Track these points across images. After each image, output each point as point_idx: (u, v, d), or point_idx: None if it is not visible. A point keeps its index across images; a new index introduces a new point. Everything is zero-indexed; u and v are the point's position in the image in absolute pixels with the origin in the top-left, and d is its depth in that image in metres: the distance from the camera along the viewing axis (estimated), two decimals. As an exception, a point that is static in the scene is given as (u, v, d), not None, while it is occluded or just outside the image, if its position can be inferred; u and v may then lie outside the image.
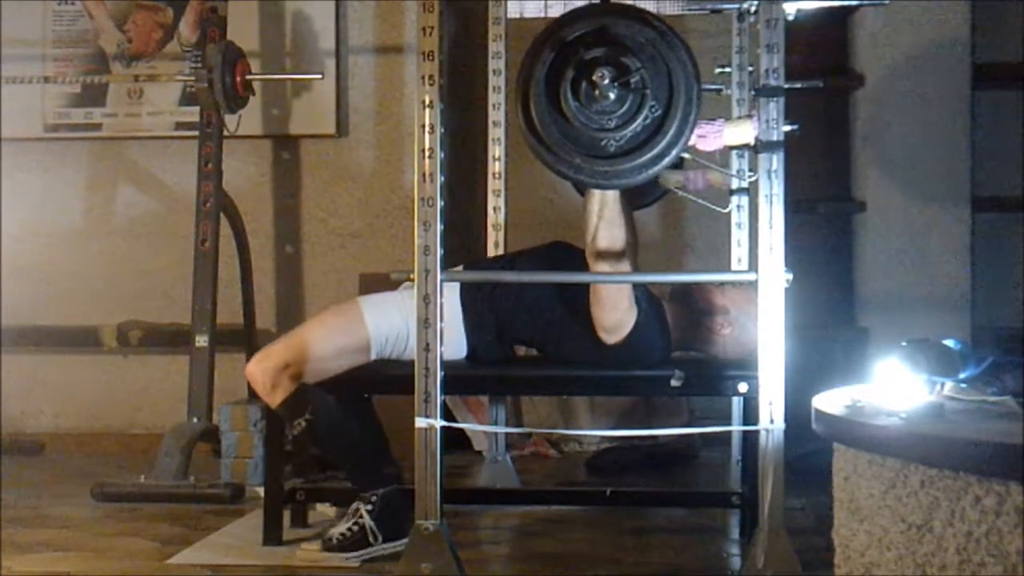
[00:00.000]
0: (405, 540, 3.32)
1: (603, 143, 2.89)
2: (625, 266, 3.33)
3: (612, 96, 2.85)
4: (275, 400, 3.48)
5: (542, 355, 3.68)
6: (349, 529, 3.40)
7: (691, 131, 2.92)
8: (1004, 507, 2.11)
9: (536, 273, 3.56)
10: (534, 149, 2.93)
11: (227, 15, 4.93)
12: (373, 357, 3.53)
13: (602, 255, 3.29)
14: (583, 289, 3.42)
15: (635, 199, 3.68)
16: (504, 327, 3.56)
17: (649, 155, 2.90)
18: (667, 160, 2.92)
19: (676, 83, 2.88)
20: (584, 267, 3.40)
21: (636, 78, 2.84)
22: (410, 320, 3.26)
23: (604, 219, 3.25)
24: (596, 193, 3.23)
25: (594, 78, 2.83)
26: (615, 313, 3.38)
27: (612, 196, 3.23)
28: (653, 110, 2.88)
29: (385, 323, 3.49)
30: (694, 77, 2.89)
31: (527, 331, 3.58)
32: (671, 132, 2.89)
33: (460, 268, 3.64)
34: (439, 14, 3.01)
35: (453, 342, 3.50)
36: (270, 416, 3.60)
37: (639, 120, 2.88)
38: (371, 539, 3.40)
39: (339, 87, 5.39)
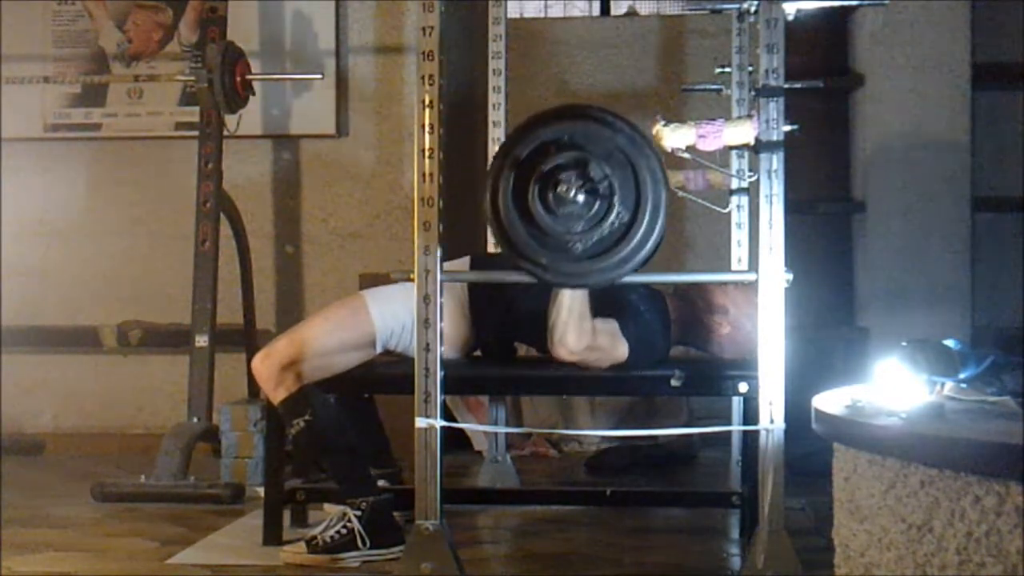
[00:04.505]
0: (392, 549, 3.35)
1: (570, 245, 2.95)
2: (593, 352, 3.40)
3: (580, 201, 2.89)
4: (277, 397, 3.47)
5: (543, 353, 3.69)
6: (338, 532, 3.37)
7: (659, 235, 2.97)
8: (1004, 507, 2.11)
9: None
10: (501, 245, 3.00)
11: (227, 15, 4.93)
12: (378, 351, 3.54)
13: (567, 354, 3.38)
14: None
15: None
16: (510, 320, 3.57)
17: (615, 259, 2.96)
18: (633, 264, 2.96)
19: (643, 188, 2.93)
20: None
21: (604, 185, 2.88)
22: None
23: (575, 314, 3.33)
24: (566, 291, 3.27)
25: (558, 189, 2.88)
26: (598, 363, 3.44)
27: (582, 292, 3.28)
28: (620, 216, 2.93)
29: (390, 315, 3.49)
30: (662, 183, 2.95)
31: (532, 326, 3.59)
32: (638, 237, 2.94)
33: (467, 258, 3.65)
34: (439, 14, 3.01)
35: (456, 334, 3.52)
36: (270, 416, 3.60)
37: (606, 225, 2.93)
38: (359, 544, 3.36)
39: (339, 87, 5.39)
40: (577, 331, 3.35)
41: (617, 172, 2.92)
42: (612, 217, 2.92)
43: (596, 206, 2.92)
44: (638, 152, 2.93)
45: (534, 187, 2.92)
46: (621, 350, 3.43)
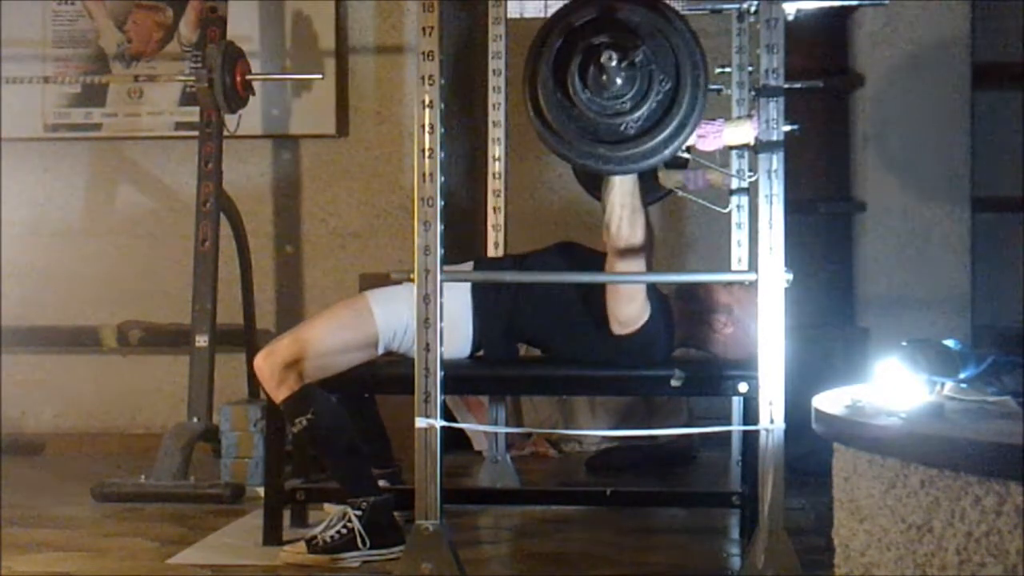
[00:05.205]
0: (392, 549, 3.35)
1: (622, 127, 2.91)
2: (642, 259, 3.36)
3: (620, 79, 2.86)
4: (279, 396, 3.48)
5: (547, 354, 3.69)
6: (338, 532, 3.37)
7: (704, 98, 2.93)
8: (1004, 507, 2.11)
9: (541, 272, 3.56)
10: (553, 148, 2.94)
11: (227, 15, 4.93)
12: (380, 352, 3.54)
13: (625, 245, 3.30)
14: (592, 287, 3.43)
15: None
16: (514, 323, 3.57)
17: (668, 130, 2.91)
18: (688, 131, 2.94)
19: (680, 55, 2.90)
20: (592, 266, 3.42)
21: (640, 56, 2.86)
22: None
23: (628, 207, 3.27)
24: (616, 183, 3.23)
25: (601, 60, 2.84)
26: (632, 305, 3.40)
27: (632, 183, 3.25)
28: (663, 84, 2.90)
29: (394, 317, 3.49)
30: (696, 46, 2.92)
31: (536, 329, 3.59)
32: (685, 103, 2.91)
33: (471, 263, 3.65)
34: (439, 14, 3.01)
35: (459, 336, 3.53)
36: (270, 416, 3.60)
37: (652, 97, 2.89)
38: (359, 544, 3.36)
39: (339, 87, 5.39)
40: (631, 221, 3.28)
41: (650, 42, 2.88)
42: (656, 87, 2.89)
43: (638, 80, 2.88)
44: (666, 21, 2.91)
45: (574, 77, 2.88)
46: (647, 309, 3.42)
